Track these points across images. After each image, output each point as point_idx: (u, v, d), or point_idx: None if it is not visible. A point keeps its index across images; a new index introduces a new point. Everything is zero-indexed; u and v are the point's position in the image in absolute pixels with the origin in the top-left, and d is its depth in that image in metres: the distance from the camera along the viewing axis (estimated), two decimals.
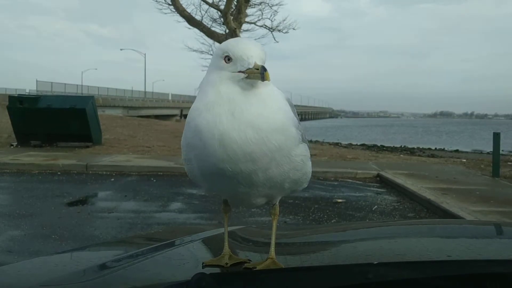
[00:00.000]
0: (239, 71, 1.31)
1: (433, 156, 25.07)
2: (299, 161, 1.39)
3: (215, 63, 1.37)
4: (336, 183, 11.90)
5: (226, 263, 1.43)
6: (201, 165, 1.31)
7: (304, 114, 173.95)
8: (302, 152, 1.40)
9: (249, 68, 1.29)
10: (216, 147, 1.22)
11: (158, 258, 1.63)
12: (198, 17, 21.60)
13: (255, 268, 1.39)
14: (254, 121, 1.23)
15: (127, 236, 6.37)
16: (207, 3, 21.64)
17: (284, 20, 23.58)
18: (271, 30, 22.98)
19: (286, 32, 23.19)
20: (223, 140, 1.22)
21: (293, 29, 23.17)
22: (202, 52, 24.22)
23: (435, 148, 38.37)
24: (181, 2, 20.71)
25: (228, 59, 1.33)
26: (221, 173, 1.27)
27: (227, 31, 20.71)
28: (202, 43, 23.64)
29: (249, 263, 1.44)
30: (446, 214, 8.30)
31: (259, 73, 1.27)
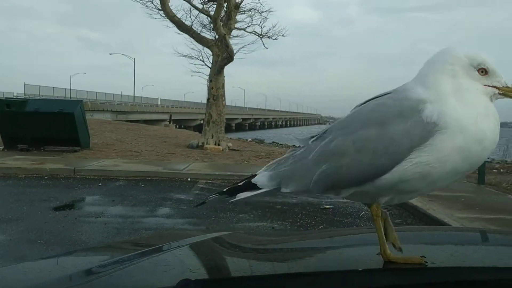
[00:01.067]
0: (493, 86, 1.38)
1: None
2: None
3: (465, 71, 1.40)
4: None
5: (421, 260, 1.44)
6: (462, 165, 1.36)
7: (293, 120, 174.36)
8: None
9: (506, 86, 1.38)
10: (489, 151, 1.39)
11: (144, 264, 1.62)
12: (188, 23, 21.59)
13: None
14: (498, 128, 1.39)
15: (114, 242, 6.34)
16: (197, 8, 21.67)
17: (273, 27, 23.71)
18: (261, 36, 23.06)
19: (275, 39, 23.29)
20: (492, 146, 1.38)
21: (283, 35, 23.31)
22: (191, 57, 24.23)
23: None
24: (171, 8, 20.70)
25: (483, 71, 1.38)
26: (469, 170, 1.44)
27: (217, 37, 20.73)
28: (192, 49, 23.66)
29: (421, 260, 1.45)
30: (432, 221, 8.38)
31: None
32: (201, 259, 1.80)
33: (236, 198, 1.61)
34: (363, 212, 9.23)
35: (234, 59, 20.67)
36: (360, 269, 1.37)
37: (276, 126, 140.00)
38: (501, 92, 1.36)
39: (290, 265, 1.70)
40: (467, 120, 1.31)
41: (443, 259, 1.56)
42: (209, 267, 1.53)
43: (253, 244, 2.06)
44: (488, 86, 1.36)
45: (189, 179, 12.55)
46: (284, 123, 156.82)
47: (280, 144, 38.84)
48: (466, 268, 1.45)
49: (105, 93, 74.37)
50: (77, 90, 67.69)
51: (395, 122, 1.38)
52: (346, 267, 1.52)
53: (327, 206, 9.59)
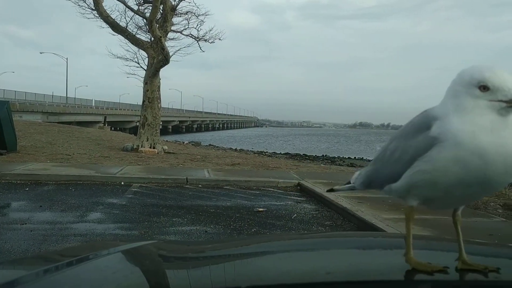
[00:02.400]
0: (500, 100, 1.45)
1: (352, 165, 26.15)
2: None
3: (465, 90, 1.50)
4: (258, 192, 12.11)
5: (432, 269, 1.50)
6: (466, 177, 1.44)
7: (230, 123, 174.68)
8: None
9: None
10: (499, 164, 1.40)
11: (68, 274, 1.60)
12: (123, 24, 21.17)
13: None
14: None
15: (39, 252, 6.17)
16: (132, 10, 21.29)
17: (210, 30, 23.73)
18: (197, 39, 22.99)
19: (212, 42, 23.28)
20: (507, 159, 1.40)
21: (219, 39, 23.33)
22: (126, 59, 23.72)
23: (355, 158, 39.99)
24: (105, 8, 20.22)
25: (484, 88, 1.47)
26: (486, 182, 1.45)
27: (152, 39, 20.47)
28: (127, 50, 23.24)
29: (444, 269, 1.51)
30: (360, 222, 8.72)
31: None
32: (129, 267, 1.80)
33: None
34: (295, 215, 9.47)
35: (170, 62, 20.50)
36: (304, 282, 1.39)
37: (214, 129, 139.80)
38: (509, 105, 1.44)
39: (210, 278, 1.64)
40: (463, 135, 1.43)
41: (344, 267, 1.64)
42: (124, 280, 1.52)
43: (176, 253, 2.04)
44: (494, 101, 1.45)
45: (122, 183, 12.33)
46: (221, 125, 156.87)
47: (217, 146, 38.91)
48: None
49: (35, 93, 71.15)
50: (4, 90, 64.24)
51: (413, 135, 1.59)
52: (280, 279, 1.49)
53: (261, 209, 9.76)
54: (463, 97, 1.50)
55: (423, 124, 1.57)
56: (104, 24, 20.53)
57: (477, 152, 1.40)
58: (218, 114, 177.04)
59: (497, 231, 7.81)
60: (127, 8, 21.24)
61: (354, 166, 24.36)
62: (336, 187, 2.11)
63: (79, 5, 20.79)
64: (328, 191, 2.04)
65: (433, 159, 1.49)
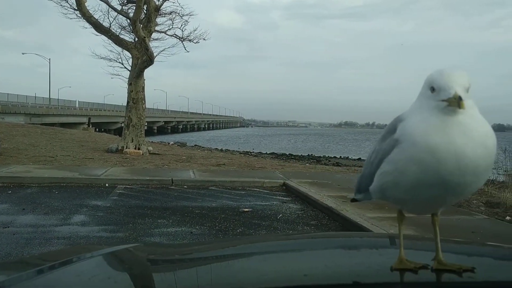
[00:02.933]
0: (442, 100, 1.48)
1: (337, 164, 26.27)
2: (489, 174, 1.62)
3: (424, 92, 1.57)
4: (243, 192, 12.11)
5: (415, 266, 1.54)
6: (423, 177, 1.46)
7: (216, 123, 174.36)
8: (492, 167, 1.62)
9: (449, 98, 1.47)
10: (451, 162, 1.42)
11: (48, 279, 1.59)
12: (106, 24, 20.98)
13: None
14: (483, 140, 1.45)
15: (22, 256, 6.10)
16: (115, 10, 21.13)
17: (194, 30, 23.67)
18: (182, 39, 22.91)
19: (196, 42, 23.21)
20: (459, 157, 1.41)
21: (204, 39, 23.27)
22: (110, 59, 23.55)
23: (340, 157, 40.20)
24: (88, 8, 20.02)
25: (433, 89, 1.52)
26: (444, 184, 1.46)
27: (136, 39, 20.35)
28: (111, 51, 23.05)
29: (428, 267, 1.54)
30: (346, 221, 8.76)
31: (456, 102, 1.44)
32: (111, 270, 1.78)
33: None
34: (280, 215, 9.48)
35: (155, 62, 20.39)
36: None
37: (199, 129, 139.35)
38: (448, 104, 1.48)
39: (197, 280, 1.64)
40: (418, 134, 1.47)
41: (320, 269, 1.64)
42: (102, 285, 1.50)
43: (157, 256, 2.05)
44: (439, 101, 1.50)
45: (107, 185, 12.24)
46: (206, 126, 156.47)
47: (203, 147, 38.80)
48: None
49: (17, 94, 70.14)
50: None
51: (384, 138, 1.65)
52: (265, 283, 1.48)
53: (246, 209, 9.75)
54: (422, 98, 1.57)
55: (392, 126, 1.62)
56: (87, 24, 20.34)
57: (429, 150, 1.43)
58: (204, 114, 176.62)
59: (479, 229, 7.91)
60: (110, 8, 21.11)
61: (340, 166, 24.47)
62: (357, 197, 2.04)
63: (61, 5, 20.57)
64: (352, 201, 2.04)
65: (393, 160, 1.54)
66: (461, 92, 1.47)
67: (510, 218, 9.07)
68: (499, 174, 13.77)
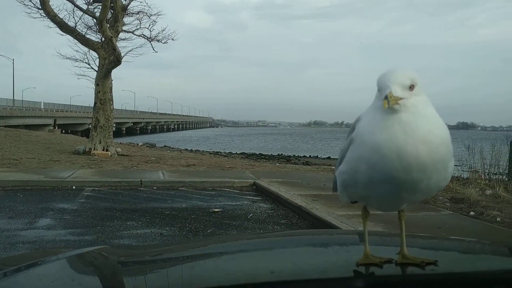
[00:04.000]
0: (384, 99, 1.52)
1: (307, 163, 26.47)
2: (450, 172, 1.60)
3: (376, 93, 1.59)
4: (214, 192, 12.08)
5: (380, 261, 1.56)
6: (372, 174, 1.50)
7: (185, 123, 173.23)
8: (452, 164, 1.61)
9: (385, 97, 1.51)
10: (394, 159, 1.45)
11: (8, 283, 1.54)
12: (71, 24, 20.55)
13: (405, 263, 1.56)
14: (425, 136, 1.48)
15: None
16: (81, 9, 20.73)
17: (163, 30, 23.40)
18: (150, 40, 22.66)
19: (165, 43, 22.97)
20: (400, 153, 1.45)
21: (172, 39, 23.05)
22: (76, 60, 23.09)
23: (310, 156, 40.48)
24: (52, 7, 19.58)
25: (378, 89, 1.57)
26: (392, 181, 1.49)
27: (103, 39, 20.02)
28: (77, 51, 22.59)
29: (392, 261, 1.57)
30: (315, 219, 8.83)
31: (386, 102, 1.50)
32: (75, 274, 1.74)
33: None
34: (251, 214, 9.50)
35: (123, 62, 20.13)
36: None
37: (168, 130, 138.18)
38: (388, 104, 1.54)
39: (168, 281, 1.62)
40: (366, 133, 1.52)
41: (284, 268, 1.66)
42: None
43: (125, 257, 2.02)
44: (382, 100, 1.53)
45: (74, 187, 12.01)
46: (176, 126, 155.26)
47: (172, 148, 38.50)
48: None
49: None
50: None
51: (347, 137, 1.68)
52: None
53: (216, 210, 9.73)
54: (375, 99, 1.60)
55: (352, 126, 1.68)
56: (51, 24, 19.89)
57: (375, 148, 1.48)
58: (173, 115, 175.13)
59: (445, 224, 8.11)
60: (75, 8, 20.70)
61: (310, 165, 24.68)
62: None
63: (24, 3, 20.04)
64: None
65: (349, 158, 1.59)
66: (397, 91, 1.50)
67: (474, 213, 9.33)
68: (463, 171, 14.14)
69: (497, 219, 8.77)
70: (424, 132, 1.49)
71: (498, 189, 11.31)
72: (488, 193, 11.23)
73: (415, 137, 1.47)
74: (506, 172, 13.36)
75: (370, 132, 1.51)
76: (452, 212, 9.38)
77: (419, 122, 1.50)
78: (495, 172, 13.51)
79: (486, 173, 13.48)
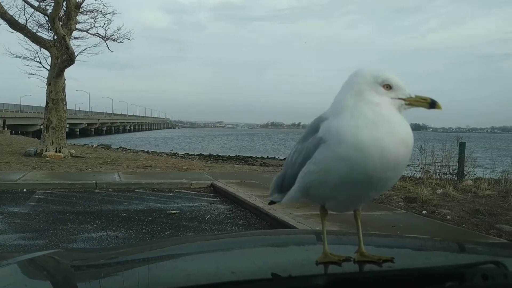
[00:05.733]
0: (400, 98, 1.57)
1: (265, 164, 26.54)
2: (404, 170, 1.68)
3: (370, 88, 1.58)
4: (171, 194, 11.95)
5: (339, 259, 1.57)
6: (350, 173, 1.49)
7: (142, 124, 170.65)
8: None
9: (411, 97, 1.57)
10: (376, 158, 1.46)
11: None
12: (22, 21, 19.89)
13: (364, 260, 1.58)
14: (406, 139, 1.52)
15: None
16: (32, 6, 20.05)
17: (118, 30, 22.92)
18: (105, 39, 22.17)
19: (120, 42, 22.51)
20: (383, 153, 1.46)
21: (128, 39, 22.62)
22: (27, 58, 22.30)
23: (267, 157, 40.68)
24: (2, 3, 18.86)
25: (387, 87, 1.57)
26: (367, 180, 1.50)
27: (56, 37, 19.45)
28: (27, 49, 21.75)
29: (350, 259, 1.58)
30: (273, 220, 8.87)
31: (427, 103, 1.58)
32: (26, 278, 1.67)
33: None
34: (208, 216, 9.45)
35: (76, 62, 19.65)
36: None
37: (124, 131, 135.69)
38: (407, 103, 1.58)
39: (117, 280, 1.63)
40: (346, 131, 1.49)
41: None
42: None
43: (79, 261, 1.96)
44: (395, 98, 1.57)
45: (24, 190, 11.61)
46: (132, 127, 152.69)
47: (128, 149, 37.84)
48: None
49: None
50: None
51: (305, 138, 1.66)
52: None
53: (174, 211, 9.62)
54: (367, 94, 1.58)
55: (314, 126, 1.65)
56: (1, 21, 19.17)
57: (358, 146, 1.47)
58: (129, 115, 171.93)
59: (399, 223, 8.32)
60: (26, 4, 20.03)
61: (267, 166, 24.77)
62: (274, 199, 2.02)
63: None
64: (269, 204, 2.04)
65: (318, 159, 1.56)
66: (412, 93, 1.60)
67: (426, 212, 9.61)
68: (416, 171, 14.53)
69: (448, 217, 9.06)
70: (404, 134, 1.54)
71: (449, 188, 11.70)
72: (439, 192, 11.59)
73: (398, 139, 1.51)
74: (456, 172, 13.84)
75: (352, 130, 1.50)
76: (405, 211, 9.63)
77: (402, 125, 1.55)
78: (445, 172, 13.96)
79: (437, 173, 13.91)
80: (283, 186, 1.80)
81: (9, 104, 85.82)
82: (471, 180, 13.53)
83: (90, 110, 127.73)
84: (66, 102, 20.48)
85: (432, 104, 1.58)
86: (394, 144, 1.49)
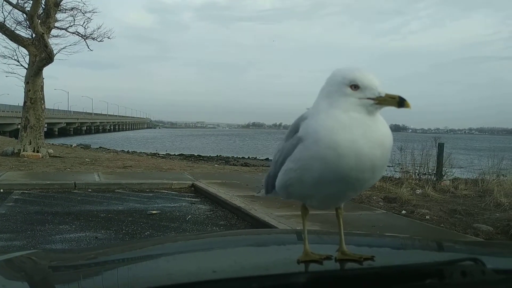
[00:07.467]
0: (368, 98, 1.53)
1: (246, 165, 26.55)
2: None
3: (337, 89, 1.57)
4: (151, 194, 11.87)
5: (320, 258, 1.58)
6: (325, 173, 1.50)
7: (122, 124, 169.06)
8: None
9: (380, 96, 1.54)
10: (351, 160, 1.47)
11: None
12: (0, 19, 19.59)
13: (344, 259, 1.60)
14: (382, 140, 1.53)
15: None
16: (10, 3, 19.68)
17: (98, 28, 22.65)
18: (84, 37, 21.89)
19: (101, 41, 22.26)
20: (358, 154, 1.47)
21: (108, 38, 22.37)
22: (4, 56, 21.91)
23: (248, 157, 40.69)
24: None
25: (355, 87, 1.54)
26: (344, 180, 1.52)
27: (34, 35, 19.17)
28: (5, 47, 21.44)
29: (331, 258, 1.60)
30: (254, 220, 8.88)
31: (395, 102, 1.54)
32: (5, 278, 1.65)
33: None
34: (189, 216, 9.41)
35: (55, 60, 19.38)
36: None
37: (104, 131, 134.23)
38: (376, 102, 1.54)
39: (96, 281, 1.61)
40: (323, 131, 1.50)
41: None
42: None
43: (58, 262, 1.93)
44: (363, 98, 1.54)
45: (1, 190, 11.41)
46: (112, 127, 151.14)
47: (108, 149, 37.49)
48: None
49: None
50: None
51: (287, 138, 1.69)
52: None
53: (154, 212, 9.56)
54: (335, 95, 1.58)
55: (295, 125, 1.67)
56: None
57: (333, 146, 1.49)
58: (109, 115, 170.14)
59: (379, 222, 8.40)
60: (4, 2, 19.69)
61: (248, 166, 24.79)
62: (259, 194, 2.10)
63: None
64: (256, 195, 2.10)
65: (297, 157, 1.58)
66: (383, 92, 1.56)
67: (405, 212, 9.71)
68: (396, 171, 14.68)
69: (426, 217, 9.18)
70: (381, 136, 1.54)
71: (427, 188, 11.86)
72: (418, 193, 11.74)
73: (373, 140, 1.51)
74: (434, 172, 14.02)
75: (328, 130, 1.51)
76: (385, 211, 9.72)
77: (378, 126, 1.55)
78: (424, 172, 14.14)
79: (416, 174, 14.07)
80: (268, 186, 1.84)
81: None
82: (449, 180, 13.73)
83: (69, 110, 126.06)
84: (44, 101, 20.21)
85: (400, 103, 1.55)
86: (368, 146, 1.49)
